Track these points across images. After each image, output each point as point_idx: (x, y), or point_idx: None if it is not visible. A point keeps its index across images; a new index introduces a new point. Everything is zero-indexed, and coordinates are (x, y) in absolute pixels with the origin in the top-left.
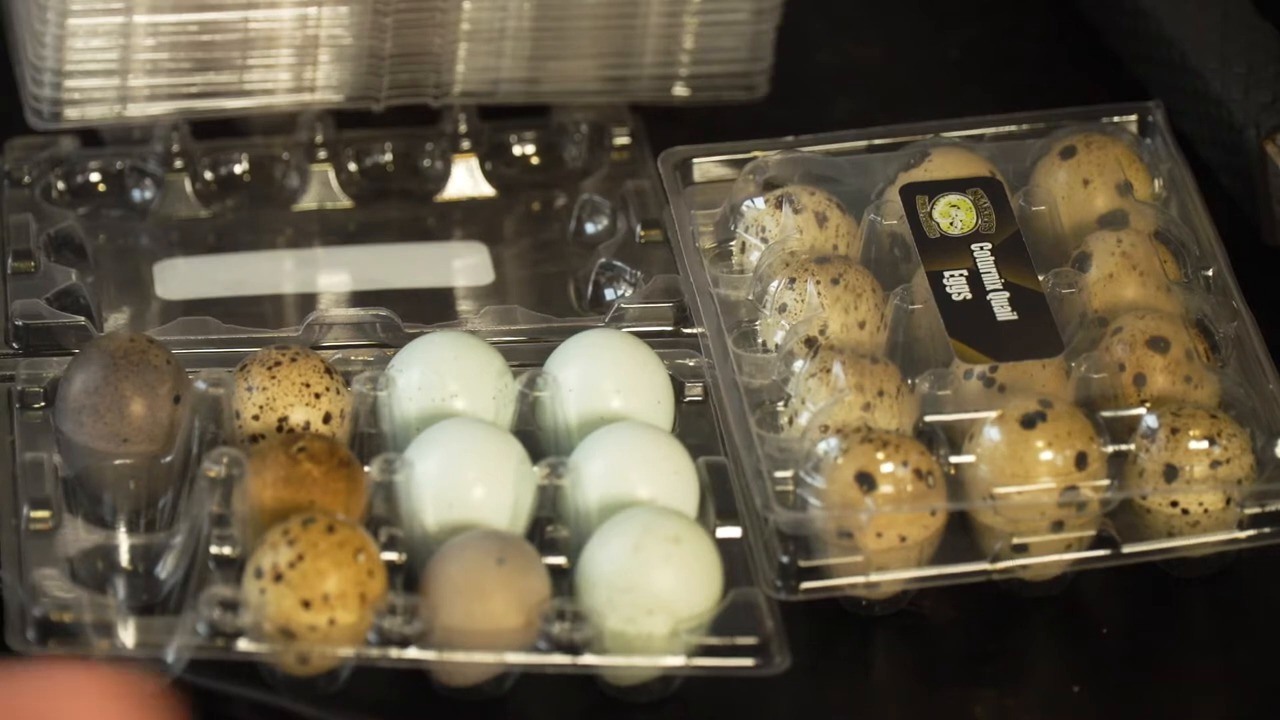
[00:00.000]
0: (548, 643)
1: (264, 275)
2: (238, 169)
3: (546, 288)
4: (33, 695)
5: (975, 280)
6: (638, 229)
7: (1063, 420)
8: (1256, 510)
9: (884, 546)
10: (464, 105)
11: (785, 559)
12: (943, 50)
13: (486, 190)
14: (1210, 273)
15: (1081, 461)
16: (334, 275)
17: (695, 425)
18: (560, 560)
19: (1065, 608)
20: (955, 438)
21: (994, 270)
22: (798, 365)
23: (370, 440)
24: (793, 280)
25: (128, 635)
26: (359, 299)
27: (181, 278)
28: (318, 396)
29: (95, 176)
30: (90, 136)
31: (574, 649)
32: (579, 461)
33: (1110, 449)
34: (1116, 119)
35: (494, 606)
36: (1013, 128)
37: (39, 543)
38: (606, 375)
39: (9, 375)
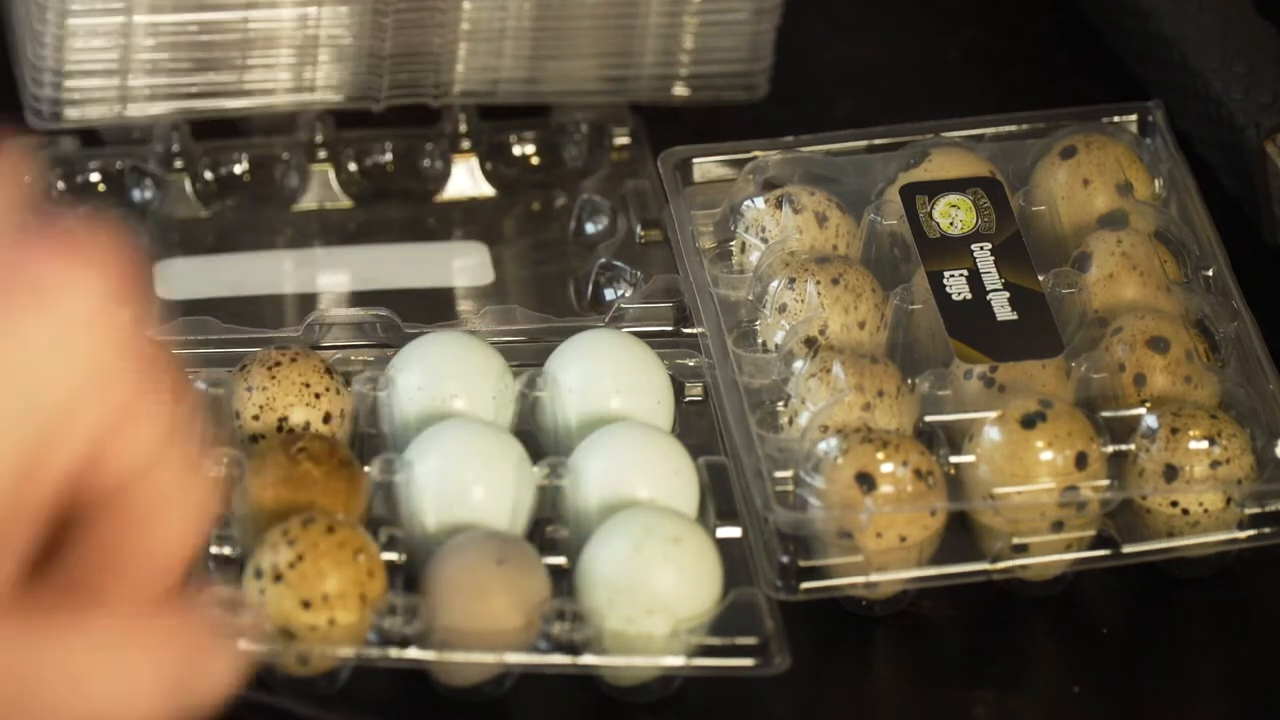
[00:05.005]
0: (548, 643)
1: (264, 275)
2: (238, 169)
3: (546, 288)
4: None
5: (975, 280)
6: (638, 229)
7: (1063, 420)
8: (1256, 510)
9: (884, 546)
10: (464, 105)
11: (785, 559)
12: (943, 50)
13: (486, 190)
14: (1210, 273)
15: (1081, 461)
16: (334, 275)
17: (695, 425)
18: (560, 560)
19: (1065, 608)
20: (955, 438)
21: (994, 270)
22: (798, 365)
23: (370, 440)
24: (793, 280)
25: None
26: (359, 299)
27: (181, 278)
28: (318, 396)
29: (95, 176)
30: (90, 136)
31: (574, 649)
32: (579, 461)
33: (1110, 449)
34: (1116, 119)
35: (494, 606)
36: (1013, 128)
37: None
38: (606, 375)
39: None
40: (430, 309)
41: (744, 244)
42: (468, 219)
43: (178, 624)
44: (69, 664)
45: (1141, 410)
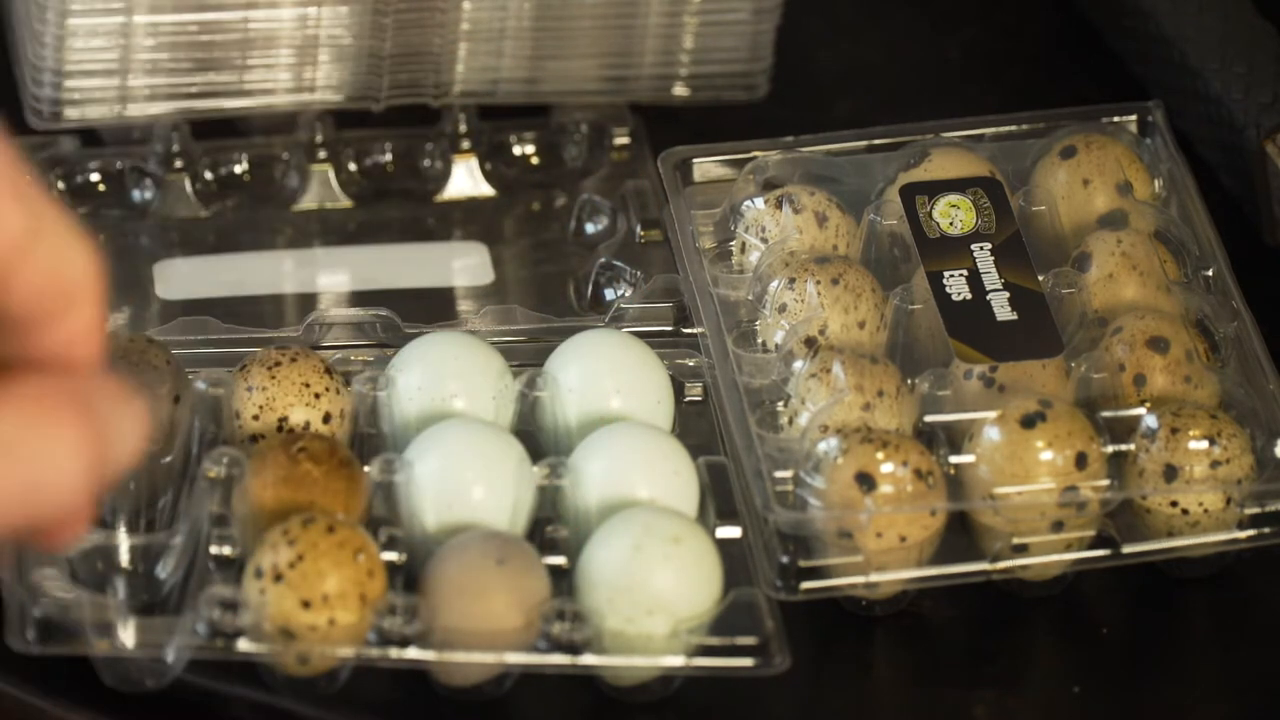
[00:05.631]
0: (548, 643)
1: (264, 275)
2: (238, 169)
3: (546, 288)
4: None
5: (975, 280)
6: (638, 229)
7: (1063, 420)
8: (1256, 510)
9: (884, 546)
10: (464, 105)
11: (785, 559)
12: (943, 50)
13: (486, 190)
14: (1210, 273)
15: (1081, 461)
16: (334, 275)
17: (695, 425)
18: (560, 560)
19: (1065, 608)
20: (955, 438)
21: (994, 270)
22: (798, 365)
23: (370, 440)
24: (793, 280)
25: (128, 635)
26: (359, 299)
27: (181, 278)
28: (318, 396)
29: (95, 176)
30: (90, 136)
31: (574, 649)
32: (579, 461)
33: (1110, 449)
34: (1116, 119)
35: (494, 606)
36: (1013, 128)
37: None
38: (606, 375)
39: None
40: (430, 309)
41: (744, 244)
42: (468, 219)
43: (88, 391)
44: None
45: (1141, 410)
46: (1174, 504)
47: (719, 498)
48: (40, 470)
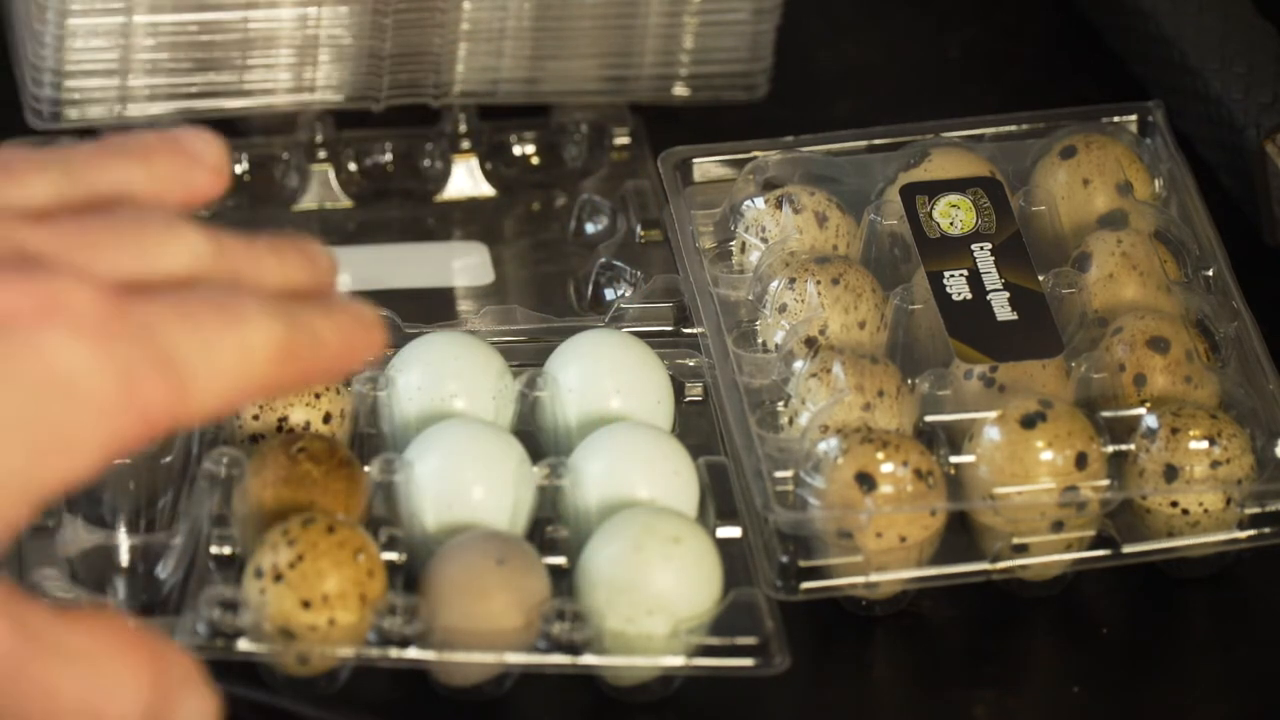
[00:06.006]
0: (548, 643)
1: None
2: (238, 169)
3: (546, 288)
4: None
5: (975, 280)
6: (638, 229)
7: (1063, 420)
8: (1256, 510)
9: (884, 546)
10: (464, 105)
11: (785, 559)
12: (943, 50)
13: (486, 190)
14: (1210, 273)
15: (1081, 461)
16: None
17: (695, 425)
18: (560, 560)
19: (1065, 608)
20: (955, 438)
21: (994, 270)
22: (798, 365)
23: (370, 440)
24: (793, 280)
25: None
26: (359, 299)
27: None
28: (318, 396)
29: None
30: (90, 137)
31: (574, 649)
32: (579, 462)
33: (1110, 449)
34: (1116, 119)
35: (494, 606)
36: (1013, 128)
37: (39, 543)
38: (606, 375)
39: None
40: (430, 309)
41: (744, 244)
42: (468, 219)
43: (160, 651)
44: (54, 664)
45: (1141, 410)
46: (1174, 504)
47: (719, 498)
48: (93, 694)
